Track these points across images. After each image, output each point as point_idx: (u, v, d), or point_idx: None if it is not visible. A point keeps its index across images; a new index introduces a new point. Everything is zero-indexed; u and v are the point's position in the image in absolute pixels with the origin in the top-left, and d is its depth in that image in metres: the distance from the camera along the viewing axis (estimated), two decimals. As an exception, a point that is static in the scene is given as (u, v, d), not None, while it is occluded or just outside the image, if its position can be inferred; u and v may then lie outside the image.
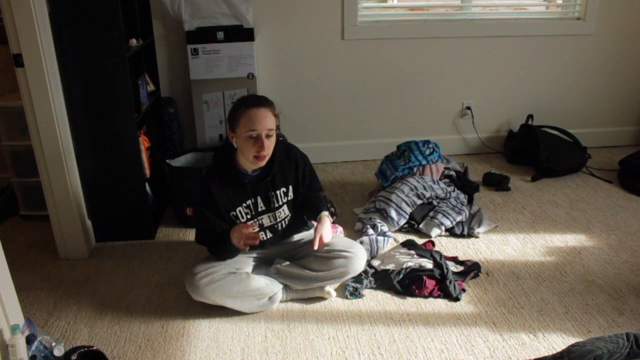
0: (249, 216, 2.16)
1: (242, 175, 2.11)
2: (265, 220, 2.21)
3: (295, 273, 2.22)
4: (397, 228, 2.80)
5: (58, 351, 1.84)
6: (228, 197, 2.10)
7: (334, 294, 2.28)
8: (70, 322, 2.17)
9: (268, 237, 2.25)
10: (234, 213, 2.13)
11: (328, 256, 2.21)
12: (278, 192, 2.18)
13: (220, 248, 2.14)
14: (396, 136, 3.68)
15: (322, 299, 2.27)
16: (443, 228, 2.75)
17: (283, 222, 2.26)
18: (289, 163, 2.20)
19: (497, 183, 3.32)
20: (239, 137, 2.03)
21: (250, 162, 2.08)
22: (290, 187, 2.22)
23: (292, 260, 2.30)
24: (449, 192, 2.93)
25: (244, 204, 2.14)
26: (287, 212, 2.24)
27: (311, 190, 2.30)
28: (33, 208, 3.00)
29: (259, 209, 2.17)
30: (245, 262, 2.24)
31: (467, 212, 2.85)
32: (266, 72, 3.48)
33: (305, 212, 2.33)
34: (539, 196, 3.22)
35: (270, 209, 2.19)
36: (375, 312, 2.19)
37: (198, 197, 2.15)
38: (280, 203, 2.21)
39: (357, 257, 2.22)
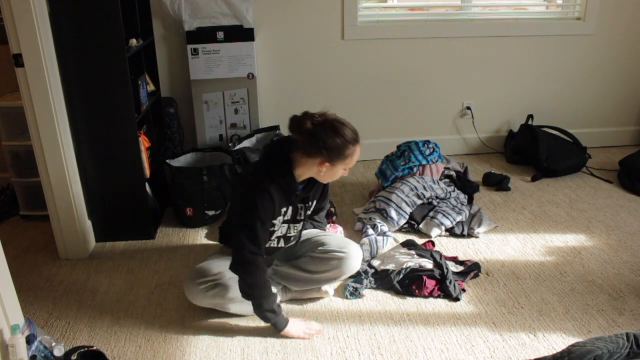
0: (278, 226, 2.07)
1: (296, 186, 2.02)
2: (285, 230, 2.13)
3: (292, 274, 2.22)
4: (397, 228, 2.80)
5: (58, 351, 1.84)
6: (280, 205, 1.99)
7: (331, 292, 2.28)
8: (70, 322, 2.17)
9: (280, 245, 2.18)
10: (274, 221, 2.03)
11: (323, 257, 2.19)
12: (308, 204, 2.14)
13: (266, 304, 1.97)
14: (396, 136, 3.68)
15: (321, 298, 2.27)
16: (443, 228, 2.75)
17: (299, 233, 2.22)
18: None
19: (497, 183, 3.32)
20: (334, 168, 1.97)
21: (311, 179, 2.05)
22: (315, 202, 2.21)
23: (288, 259, 2.30)
24: (449, 192, 2.93)
25: (282, 212, 2.04)
26: (302, 224, 2.21)
27: (324, 203, 2.32)
28: (33, 208, 3.00)
29: (287, 218, 2.10)
30: None
31: (467, 212, 2.85)
32: (266, 72, 3.48)
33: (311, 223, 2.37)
34: (539, 196, 3.22)
35: (295, 220, 2.13)
36: (375, 312, 2.19)
37: (248, 206, 1.91)
38: (304, 216, 2.16)
39: (352, 257, 2.19)
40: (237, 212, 1.97)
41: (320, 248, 2.21)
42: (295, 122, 1.93)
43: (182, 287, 2.35)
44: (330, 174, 2.00)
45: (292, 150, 1.97)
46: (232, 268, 1.97)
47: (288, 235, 2.15)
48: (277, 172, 1.96)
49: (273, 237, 2.11)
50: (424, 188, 2.87)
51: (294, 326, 2.04)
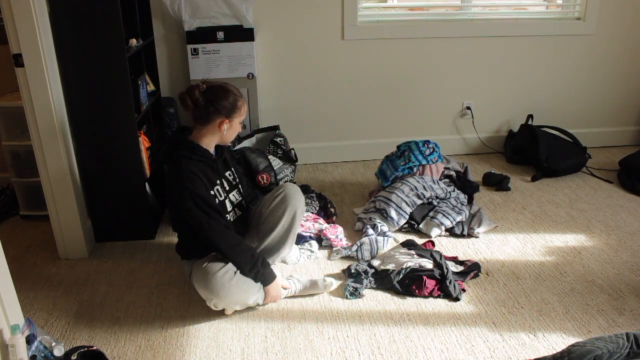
0: (224, 195, 2.20)
1: (211, 154, 2.18)
2: (236, 196, 2.27)
3: (271, 245, 2.30)
4: (397, 228, 2.80)
5: (58, 351, 1.84)
6: (206, 177, 2.12)
7: (335, 285, 2.33)
8: (70, 322, 2.17)
9: (237, 215, 2.27)
10: (212, 192, 2.14)
11: (272, 209, 2.30)
12: (232, 169, 2.30)
13: (253, 263, 2.12)
14: (396, 136, 3.68)
15: (321, 298, 2.27)
16: (443, 228, 2.75)
17: (244, 197, 2.35)
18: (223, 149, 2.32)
19: (497, 183, 3.33)
20: (233, 124, 2.14)
21: (222, 143, 2.20)
22: (235, 166, 2.34)
23: (257, 239, 2.35)
24: (449, 192, 2.93)
25: (218, 182, 2.18)
26: (240, 187, 2.34)
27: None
28: (33, 208, 3.01)
29: (227, 187, 2.23)
30: None
31: (467, 212, 2.85)
32: (266, 72, 3.48)
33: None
34: (539, 196, 3.22)
35: (233, 185, 2.27)
36: (375, 312, 2.19)
37: (183, 189, 2.03)
38: (238, 179, 2.31)
39: (289, 188, 2.35)
40: (179, 202, 2.06)
41: (263, 210, 2.33)
42: (186, 96, 2.08)
43: (182, 287, 2.36)
44: (231, 131, 2.16)
45: (189, 133, 2.15)
46: (209, 245, 2.10)
47: (237, 201, 2.29)
48: (187, 152, 2.10)
49: (229, 209, 2.22)
50: (424, 188, 2.87)
51: (274, 287, 2.18)
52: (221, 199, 2.18)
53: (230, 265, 2.09)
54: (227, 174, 2.26)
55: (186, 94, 2.08)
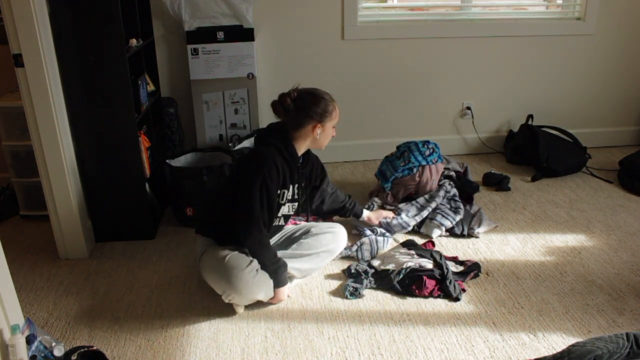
0: (286, 201, 2.21)
1: (298, 158, 2.20)
2: (289, 209, 2.27)
3: (295, 256, 2.30)
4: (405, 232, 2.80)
5: (58, 351, 1.84)
6: (283, 177, 2.14)
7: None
8: (70, 322, 2.17)
9: (281, 223, 2.30)
10: (279, 192, 2.16)
11: (318, 235, 2.35)
12: (302, 184, 2.30)
13: (275, 261, 2.16)
14: (396, 136, 3.68)
15: (321, 299, 2.27)
16: (443, 229, 2.75)
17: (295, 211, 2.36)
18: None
19: (497, 183, 3.32)
20: (325, 128, 2.19)
21: (315, 147, 2.24)
22: (305, 184, 2.34)
23: (281, 249, 2.36)
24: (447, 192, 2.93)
25: (290, 187, 2.20)
26: (298, 203, 2.35)
27: (322, 174, 2.47)
28: (33, 208, 3.00)
29: (289, 197, 2.24)
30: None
31: (463, 208, 2.84)
32: (266, 72, 3.48)
33: (339, 210, 2.62)
34: (539, 196, 3.22)
35: (295, 199, 2.27)
36: (375, 312, 2.19)
37: (260, 171, 2.05)
38: (300, 196, 2.30)
39: (341, 232, 2.43)
40: (248, 179, 2.07)
41: (313, 230, 2.39)
42: (278, 104, 2.14)
43: (182, 287, 2.37)
44: (324, 135, 2.21)
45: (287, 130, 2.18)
46: (241, 229, 2.09)
47: (288, 214, 2.29)
48: (281, 145, 2.13)
49: (280, 214, 2.23)
50: (427, 200, 2.89)
51: (283, 292, 2.21)
52: (281, 202, 2.19)
53: (255, 263, 2.12)
54: (303, 185, 2.29)
55: (278, 102, 2.13)
